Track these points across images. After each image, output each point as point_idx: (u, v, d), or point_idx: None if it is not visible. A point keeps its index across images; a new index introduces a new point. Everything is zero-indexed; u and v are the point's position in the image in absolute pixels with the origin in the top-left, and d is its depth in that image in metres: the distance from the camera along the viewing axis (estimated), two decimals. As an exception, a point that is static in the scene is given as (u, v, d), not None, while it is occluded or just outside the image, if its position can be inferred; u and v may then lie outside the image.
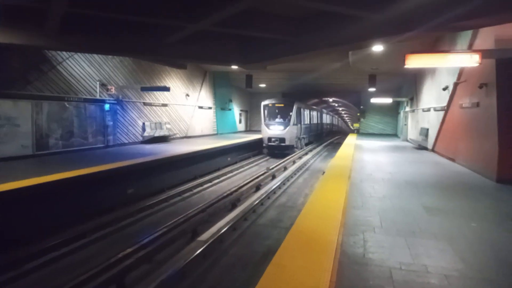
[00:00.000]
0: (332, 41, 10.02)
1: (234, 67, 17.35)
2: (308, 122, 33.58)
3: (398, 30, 8.39)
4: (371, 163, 14.28)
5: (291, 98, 29.18)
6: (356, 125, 47.42)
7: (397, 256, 5.01)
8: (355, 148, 20.42)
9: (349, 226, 6.28)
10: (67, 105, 15.27)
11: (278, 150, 26.37)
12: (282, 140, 26.05)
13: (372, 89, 24.83)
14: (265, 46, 12.50)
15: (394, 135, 35.40)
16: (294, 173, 18.98)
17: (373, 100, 30.03)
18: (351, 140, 27.30)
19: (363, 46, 11.52)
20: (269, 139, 26.32)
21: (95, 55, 16.73)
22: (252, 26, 10.30)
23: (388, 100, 29.77)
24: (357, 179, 10.75)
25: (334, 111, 74.40)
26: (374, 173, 11.97)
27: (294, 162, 23.00)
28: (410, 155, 17.89)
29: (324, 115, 49.39)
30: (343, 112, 79.04)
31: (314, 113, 38.21)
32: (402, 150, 20.56)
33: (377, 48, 13.55)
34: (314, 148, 32.92)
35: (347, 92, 39.01)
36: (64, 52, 14.90)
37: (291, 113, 26.60)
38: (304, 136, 30.98)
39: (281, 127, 26.36)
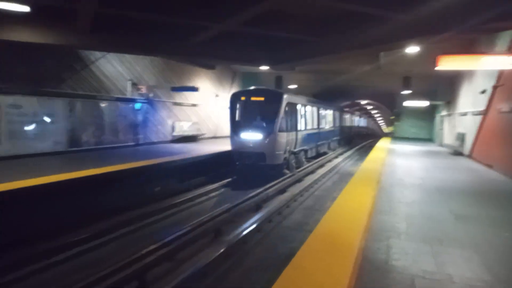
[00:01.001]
0: (359, 42, 9.82)
1: (264, 68, 17.33)
2: (316, 127, 22.71)
3: (430, 31, 8.08)
4: (402, 168, 13.85)
5: (277, 90, 19.92)
6: (389, 129, 46.31)
7: (421, 264, 4.78)
8: (387, 152, 19.91)
9: (374, 231, 6.08)
10: (99, 104, 15.72)
11: (256, 169, 16.17)
12: (259, 156, 15.74)
13: (406, 92, 24.13)
14: (291, 46, 12.42)
15: (429, 139, 34.25)
16: (323, 176, 18.67)
17: (407, 103, 29.17)
18: (383, 143, 26.65)
19: (394, 48, 11.21)
20: (240, 153, 16.17)
21: (126, 55, 17.14)
22: (278, 27, 10.25)
23: (423, 103, 28.84)
24: (387, 183, 10.44)
25: (367, 114, 72.97)
26: (405, 178, 11.58)
27: (322, 165, 22.65)
28: (444, 160, 17.23)
29: (354, 118, 45.42)
30: (376, 115, 77.43)
31: (329, 113, 27.60)
32: (436, 155, 19.84)
33: (412, 49, 13.13)
34: (345, 151, 32.23)
35: (380, 95, 38.10)
36: (96, 52, 15.36)
37: (277, 113, 15.81)
38: (306, 147, 20.09)
39: (259, 135, 15.88)
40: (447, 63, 9.15)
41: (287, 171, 17.12)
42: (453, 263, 4.81)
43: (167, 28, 11.60)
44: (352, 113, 43.52)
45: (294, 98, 17.95)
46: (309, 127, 20.53)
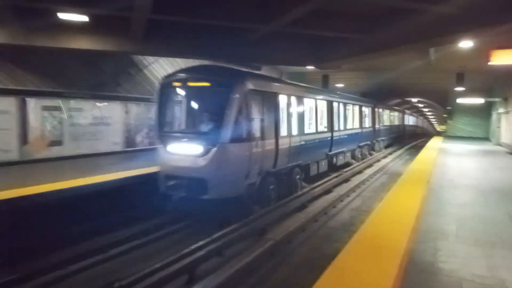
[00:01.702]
0: (408, 38, 9.59)
1: (310, 67, 17.29)
2: (326, 130, 15.81)
3: (483, 24, 7.76)
4: (454, 168, 13.32)
5: (236, 69, 12.00)
6: (442, 127, 44.27)
7: (471, 267, 4.65)
8: (438, 151, 19.17)
9: (421, 232, 5.97)
10: (153, 106, 16.50)
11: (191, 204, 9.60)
12: (196, 183, 9.17)
13: (459, 89, 23.05)
14: (337, 45, 12.33)
15: (485, 138, 32.44)
16: (371, 176, 18.31)
17: (461, 101, 27.85)
18: (435, 143, 25.64)
19: (445, 42, 10.83)
20: (167, 177, 9.73)
21: (177, 59, 17.78)
22: (323, 26, 10.26)
23: (478, 101, 27.41)
24: (437, 184, 10.13)
25: (419, 112, 70.24)
26: (457, 178, 11.16)
27: (370, 165, 22.16)
28: (501, 160, 16.32)
29: (404, 116, 40.79)
30: (428, 113, 74.36)
31: (355, 111, 20.69)
32: (493, 154, 18.81)
33: (465, 44, 12.58)
34: (395, 151, 31.20)
35: (432, 92, 36.53)
36: (149, 57, 16.10)
37: (232, 108, 9.13)
38: (302, 162, 12.94)
39: (196, 147, 9.33)
40: (502, 58, 8.73)
41: (255, 209, 9.80)
42: (506, 267, 4.64)
43: (216, 32, 11.96)
44: (402, 111, 40.39)
45: (269, 85, 10.89)
46: (309, 130, 13.72)
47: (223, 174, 8.94)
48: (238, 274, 6.60)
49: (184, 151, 9.29)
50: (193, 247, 7.02)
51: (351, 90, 35.85)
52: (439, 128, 70.52)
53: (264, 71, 25.07)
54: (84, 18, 9.59)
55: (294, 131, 12.12)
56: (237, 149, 9.16)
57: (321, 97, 15.27)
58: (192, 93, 10.24)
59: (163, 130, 9.96)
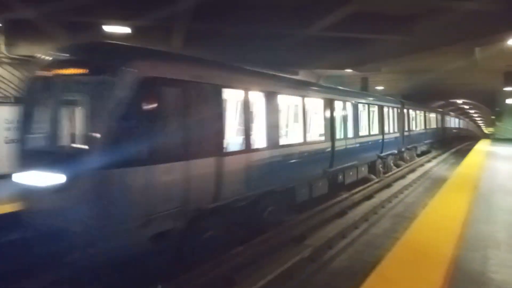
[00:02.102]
0: (449, 38, 9.23)
1: (348, 70, 17.04)
2: (310, 139, 11.28)
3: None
4: (505, 173, 12.65)
5: (126, 45, 6.94)
6: (489, 129, 42.11)
7: (527, 278, 4.36)
8: (487, 155, 18.26)
9: (469, 240, 5.68)
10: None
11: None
12: (58, 236, 5.33)
13: (509, 89, 21.89)
14: (375, 47, 12.06)
15: (539, 140, 30.54)
16: (414, 181, 17.72)
17: (511, 101, 26.45)
18: (483, 146, 24.44)
19: (491, 42, 10.34)
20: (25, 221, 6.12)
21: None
22: (360, 28, 10.09)
23: (530, 101, 25.95)
24: (486, 189, 9.64)
25: (464, 114, 67.40)
26: (508, 183, 10.58)
27: (414, 170, 21.43)
28: (558, 164, 15.30)
29: (447, 119, 36.60)
30: (475, 115, 71.22)
31: (363, 110, 15.37)
32: (548, 158, 17.68)
33: (512, 42, 11.99)
34: (439, 155, 29.96)
35: (478, 93, 34.95)
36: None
37: (117, 109, 5.39)
38: (266, 187, 8.63)
39: (55, 177, 5.47)
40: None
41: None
42: None
43: (254, 38, 12.09)
44: (442, 113, 36.99)
45: (201, 72, 6.97)
46: (290, 140, 10.50)
47: (100, 220, 5.33)
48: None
49: (39, 182, 5.70)
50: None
51: (392, 93, 35.06)
52: (486, 130, 67.23)
53: (301, 75, 25.04)
54: (127, 30, 10.00)
55: (259, 143, 8.56)
56: (127, 177, 5.48)
57: (312, 93, 11.40)
58: (58, 88, 6.26)
59: (23, 147, 6.37)
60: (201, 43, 12.00)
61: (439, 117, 34.86)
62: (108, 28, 9.92)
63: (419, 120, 26.09)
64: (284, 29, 10.38)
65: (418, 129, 25.24)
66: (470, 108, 58.44)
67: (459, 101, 46.46)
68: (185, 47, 11.87)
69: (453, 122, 47.71)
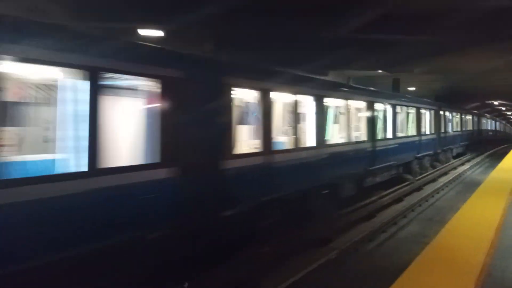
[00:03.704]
0: (481, 38, 8.97)
1: (379, 71, 16.84)
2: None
3: None
4: (542, 178, 12.11)
5: None
6: (529, 132, 40.35)
7: (562, 289, 4.23)
8: (524, 159, 17.58)
9: (503, 247, 5.55)
10: None
11: None
12: None
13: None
14: (405, 48, 11.88)
15: None
16: (446, 185, 17.31)
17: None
18: (520, 149, 23.53)
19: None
20: None
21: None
22: (390, 30, 9.97)
23: None
24: (521, 195, 9.28)
25: (501, 116, 64.96)
26: (545, 189, 10.13)
27: (446, 173, 20.90)
28: None
29: (483, 121, 35.96)
30: (512, 117, 68.58)
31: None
32: None
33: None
34: (473, 158, 29.08)
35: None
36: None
37: None
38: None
39: None
40: None
41: None
42: None
43: (284, 40, 12.17)
44: (478, 115, 35.50)
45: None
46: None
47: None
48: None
49: None
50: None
51: (424, 94, 34.19)
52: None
53: (331, 76, 24.89)
54: (160, 34, 10.36)
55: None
56: None
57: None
58: None
59: None
60: (233, 46, 12.18)
61: (475, 119, 34.43)
62: (143, 32, 10.33)
63: (455, 122, 26.25)
64: (314, 31, 10.39)
65: (453, 131, 25.47)
66: (507, 110, 56.21)
67: (496, 103, 44.77)
68: (217, 50, 12.11)
69: (489, 124, 46.17)
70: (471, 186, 17.39)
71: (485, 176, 16.52)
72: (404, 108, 16.01)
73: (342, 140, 10.90)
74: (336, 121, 11.30)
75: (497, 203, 8.03)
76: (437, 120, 20.48)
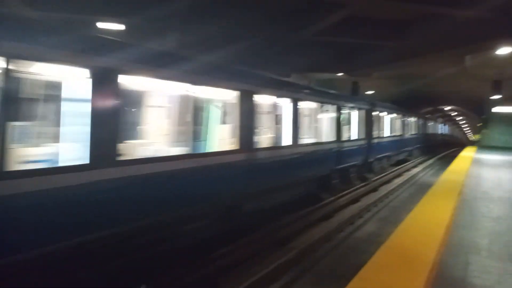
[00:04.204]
0: (440, 45, 9.38)
1: (340, 74, 17.15)
2: None
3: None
4: (489, 180, 12.85)
5: None
6: (476, 137, 42.59)
7: (506, 284, 4.48)
8: (472, 162, 18.54)
9: (451, 246, 5.79)
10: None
11: None
12: None
13: (496, 97, 22.26)
14: (367, 52, 12.19)
15: (524, 149, 31.11)
16: (400, 186, 17.94)
17: (497, 109, 26.87)
18: (468, 153, 24.82)
19: (481, 49, 10.52)
20: None
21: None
22: (354, 33, 10.18)
23: (515, 110, 26.39)
24: (470, 196, 9.80)
25: (451, 121, 68.40)
26: (492, 191, 10.76)
27: (400, 175, 21.70)
28: (541, 172, 15.61)
29: (422, 122, 32.63)
30: (461, 122, 72.27)
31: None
32: (532, 166, 18.03)
33: (503, 51, 12.17)
34: (425, 160, 30.45)
35: (466, 100, 35.45)
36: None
37: None
38: None
39: None
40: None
41: None
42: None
43: (247, 40, 12.10)
44: (424, 118, 34.97)
45: None
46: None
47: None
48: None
49: None
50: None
51: (382, 98, 35.37)
52: (472, 137, 68.36)
53: (293, 78, 25.14)
54: (121, 27, 10.04)
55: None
56: None
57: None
58: None
59: None
60: (196, 44, 11.96)
61: (422, 122, 32.49)
62: (103, 25, 9.91)
63: (397, 126, 23.51)
64: (278, 32, 10.43)
65: (393, 135, 22.47)
66: (457, 115, 59.31)
67: (447, 108, 47.07)
68: (180, 47, 11.86)
69: (439, 128, 48.01)
70: (423, 188, 18.13)
71: (436, 178, 17.29)
72: (314, 105, 12.07)
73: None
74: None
75: (447, 203, 8.41)
76: (369, 123, 17.09)
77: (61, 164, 5.04)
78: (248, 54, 12.82)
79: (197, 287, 6.40)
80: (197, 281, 6.55)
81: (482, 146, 33.86)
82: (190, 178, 6.93)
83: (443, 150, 44.13)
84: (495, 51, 12.00)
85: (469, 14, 7.94)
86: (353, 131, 15.46)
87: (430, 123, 39.29)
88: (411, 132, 28.20)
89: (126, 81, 5.83)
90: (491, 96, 23.10)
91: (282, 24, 9.96)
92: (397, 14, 10.05)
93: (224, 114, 8.59)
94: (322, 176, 12.80)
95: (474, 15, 8.02)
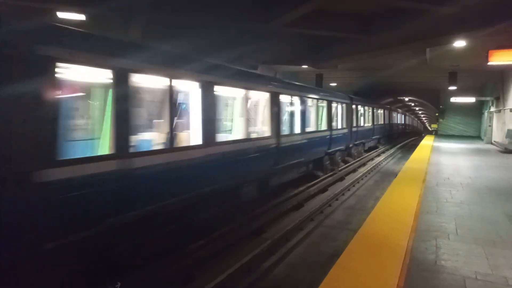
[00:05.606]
0: (405, 37, 9.66)
1: (304, 66, 17.30)
2: None
3: (479, 24, 7.84)
4: (449, 167, 13.44)
5: None
6: (434, 126, 44.46)
7: (473, 265, 4.70)
8: (432, 150, 19.34)
9: (421, 231, 6.01)
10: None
11: None
12: None
13: (452, 88, 23.27)
14: (334, 45, 12.38)
15: (477, 137, 32.82)
16: (365, 174, 18.42)
17: (454, 100, 28.13)
18: (428, 142, 25.86)
19: (441, 42, 10.91)
20: None
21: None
22: (321, 26, 10.28)
23: (470, 100, 27.72)
24: (433, 183, 10.21)
25: (410, 111, 70.88)
26: (452, 177, 11.26)
27: (364, 164, 22.30)
28: (494, 159, 16.51)
29: (388, 113, 35.03)
30: (420, 112, 75.08)
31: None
32: (485, 153, 19.03)
33: (459, 43, 12.69)
34: (387, 149, 31.39)
35: (425, 91, 36.86)
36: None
37: None
38: None
39: None
40: (500, 57, 8.81)
41: None
42: (509, 265, 4.69)
43: (213, 31, 11.93)
44: (390, 110, 36.97)
45: None
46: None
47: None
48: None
49: None
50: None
51: (345, 90, 36.11)
52: (431, 126, 71.27)
53: (260, 70, 25.11)
54: (81, 17, 9.55)
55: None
56: None
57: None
58: None
59: None
60: (161, 34, 11.66)
61: (387, 113, 35.03)
62: (62, 15, 9.39)
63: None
64: (245, 23, 10.34)
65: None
66: (416, 106, 61.53)
67: (406, 99, 48.74)
68: (144, 38, 11.51)
69: (400, 118, 49.91)
70: (387, 176, 18.78)
71: (399, 166, 17.91)
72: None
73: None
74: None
75: (413, 191, 8.74)
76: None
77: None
78: (215, 45, 12.67)
79: (173, 279, 6.32)
80: (172, 274, 6.46)
81: (440, 135, 35.42)
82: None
83: (405, 139, 45.66)
84: (453, 43, 12.55)
85: (436, 9, 8.20)
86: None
87: (394, 114, 41.30)
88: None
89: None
90: (447, 87, 24.14)
91: (250, 15, 9.88)
92: (364, 8, 10.24)
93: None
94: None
95: (437, 10, 8.29)
